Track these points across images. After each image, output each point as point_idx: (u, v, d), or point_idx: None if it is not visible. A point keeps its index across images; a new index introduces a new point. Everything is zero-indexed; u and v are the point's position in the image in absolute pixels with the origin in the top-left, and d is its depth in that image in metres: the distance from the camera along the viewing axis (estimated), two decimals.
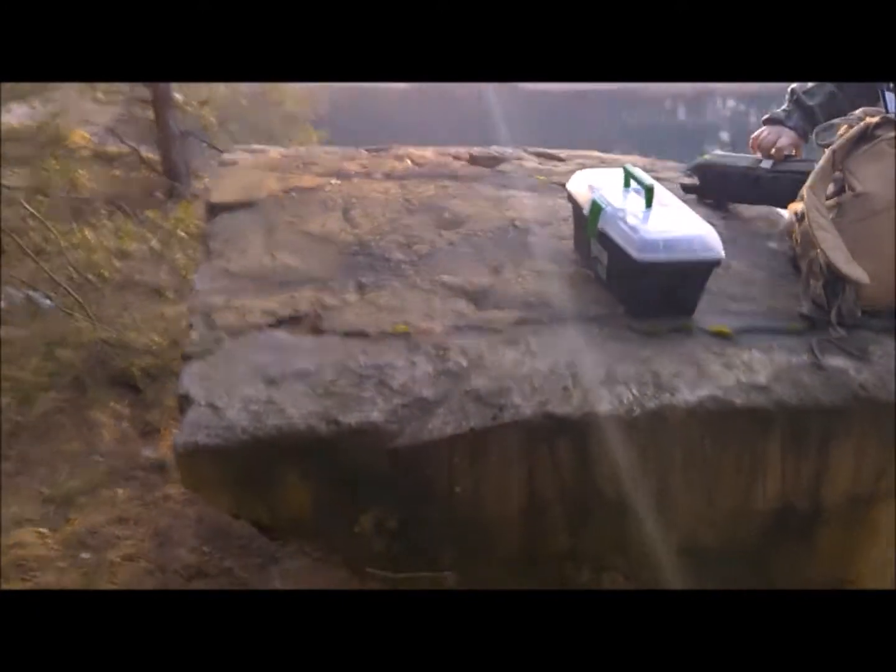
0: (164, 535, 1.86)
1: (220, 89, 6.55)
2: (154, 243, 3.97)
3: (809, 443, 1.12)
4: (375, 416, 1.06)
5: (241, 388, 1.12)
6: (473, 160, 2.00)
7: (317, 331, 1.24)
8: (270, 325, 1.25)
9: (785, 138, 1.50)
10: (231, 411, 1.08)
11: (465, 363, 1.15)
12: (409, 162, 1.98)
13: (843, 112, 1.35)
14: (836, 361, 1.13)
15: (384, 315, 1.26)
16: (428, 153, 2.08)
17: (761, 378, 1.10)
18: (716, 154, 1.62)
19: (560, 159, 2.03)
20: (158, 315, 3.33)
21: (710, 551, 1.20)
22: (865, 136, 1.22)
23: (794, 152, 1.51)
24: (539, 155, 2.07)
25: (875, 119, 1.22)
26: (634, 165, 1.33)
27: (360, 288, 1.34)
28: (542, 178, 1.85)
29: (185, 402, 1.12)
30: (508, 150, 2.09)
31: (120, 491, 2.07)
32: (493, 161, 1.99)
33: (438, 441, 1.06)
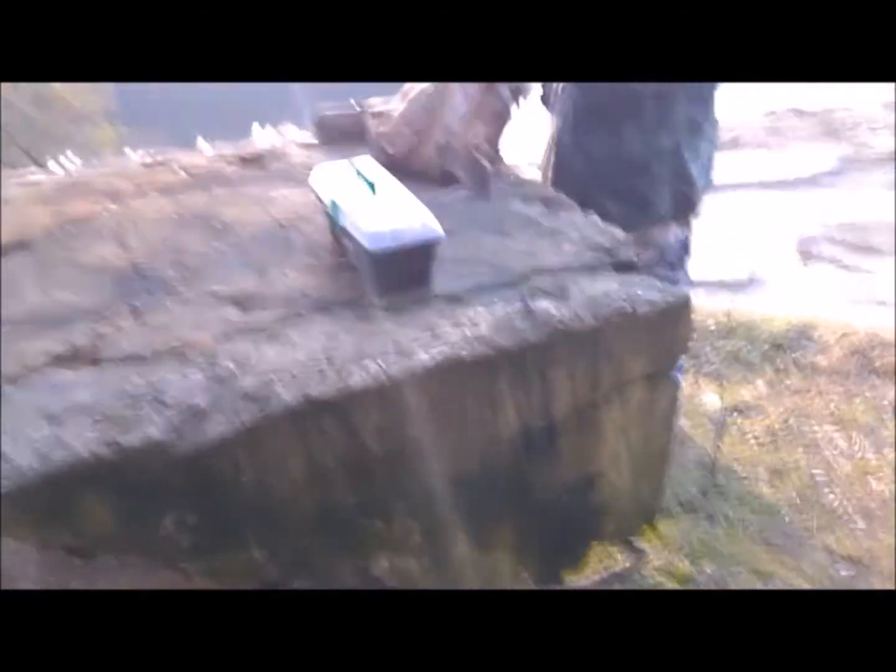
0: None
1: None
2: None
3: (531, 376, 1.35)
4: (152, 431, 1.19)
5: (26, 431, 1.21)
6: (244, 162, 2.10)
7: (95, 362, 1.34)
8: (48, 365, 1.34)
9: None
10: (17, 455, 1.17)
11: (232, 366, 1.29)
12: (182, 173, 2.06)
13: None
14: (542, 304, 1.36)
15: (158, 335, 1.37)
16: (201, 159, 2.16)
17: (482, 330, 1.31)
18: None
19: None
20: None
21: (475, 477, 1.42)
22: None
23: None
24: (306, 146, 2.21)
25: None
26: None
27: (134, 312, 1.44)
28: None
29: None
30: (276, 144, 2.21)
31: None
32: (261, 160, 2.10)
33: (215, 441, 1.20)
